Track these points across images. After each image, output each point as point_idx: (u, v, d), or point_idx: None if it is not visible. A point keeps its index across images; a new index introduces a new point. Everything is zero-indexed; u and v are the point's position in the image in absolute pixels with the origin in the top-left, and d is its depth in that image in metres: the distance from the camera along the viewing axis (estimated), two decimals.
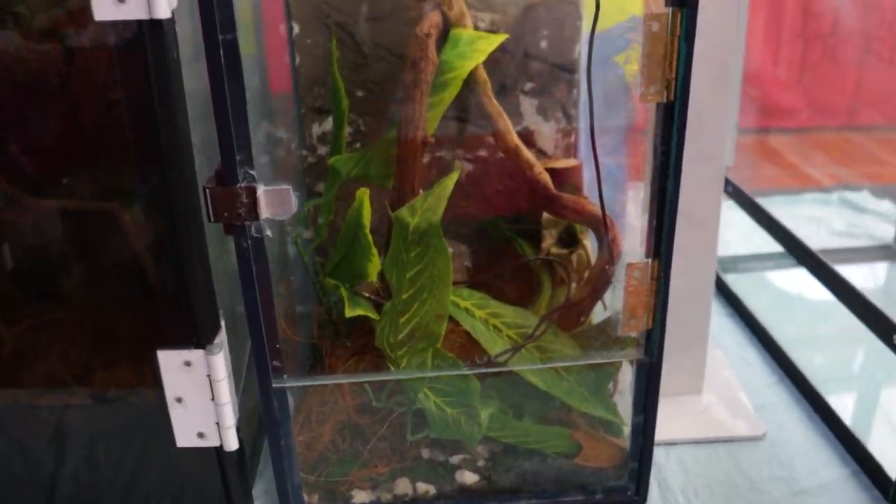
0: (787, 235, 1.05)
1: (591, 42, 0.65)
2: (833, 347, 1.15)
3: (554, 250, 0.82)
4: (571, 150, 0.91)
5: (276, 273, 0.71)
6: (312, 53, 0.86)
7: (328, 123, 0.89)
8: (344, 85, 0.83)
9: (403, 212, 0.67)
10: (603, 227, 0.73)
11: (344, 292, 0.74)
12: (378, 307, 0.75)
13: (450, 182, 0.67)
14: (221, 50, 0.59)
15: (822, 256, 0.98)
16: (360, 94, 0.88)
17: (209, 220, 0.64)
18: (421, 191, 0.75)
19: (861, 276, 1.22)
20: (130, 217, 0.67)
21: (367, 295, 0.77)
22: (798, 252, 1.03)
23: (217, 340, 0.70)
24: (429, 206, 0.66)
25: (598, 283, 0.75)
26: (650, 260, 0.68)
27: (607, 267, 0.74)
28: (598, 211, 0.73)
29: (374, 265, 0.72)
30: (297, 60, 0.87)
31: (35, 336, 0.73)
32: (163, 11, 0.58)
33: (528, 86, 0.88)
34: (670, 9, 0.60)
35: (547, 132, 0.90)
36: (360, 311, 0.72)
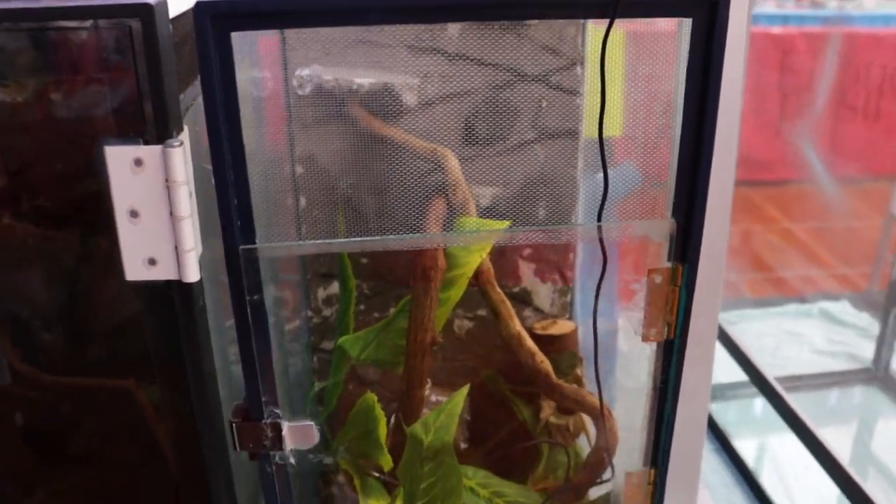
0: (751, 367, 1.10)
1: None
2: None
3: (552, 420, 0.87)
4: (567, 308, 0.95)
5: None
6: (318, 225, 0.89)
7: (333, 287, 0.92)
8: (349, 256, 0.86)
9: (417, 428, 0.71)
10: (601, 417, 0.78)
11: (357, 482, 0.78)
12: (388, 487, 0.80)
13: (460, 398, 0.71)
14: (249, 309, 0.62)
15: (779, 389, 1.02)
16: (364, 261, 0.91)
17: (234, 448, 0.67)
18: (429, 382, 0.79)
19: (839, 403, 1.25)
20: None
21: (378, 476, 0.81)
22: (762, 387, 1.08)
23: None
24: (441, 425, 0.70)
25: (596, 467, 0.80)
26: (648, 468, 0.73)
27: (604, 454, 0.79)
28: (596, 402, 0.77)
29: (387, 461, 0.76)
30: (304, 230, 0.89)
31: None
32: (192, 275, 0.61)
33: (527, 251, 0.92)
34: (672, 263, 0.64)
35: (544, 293, 0.94)
36: (372, 502, 0.76)
